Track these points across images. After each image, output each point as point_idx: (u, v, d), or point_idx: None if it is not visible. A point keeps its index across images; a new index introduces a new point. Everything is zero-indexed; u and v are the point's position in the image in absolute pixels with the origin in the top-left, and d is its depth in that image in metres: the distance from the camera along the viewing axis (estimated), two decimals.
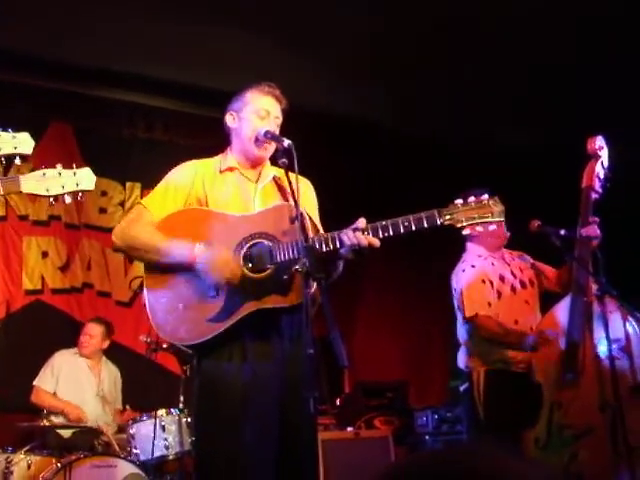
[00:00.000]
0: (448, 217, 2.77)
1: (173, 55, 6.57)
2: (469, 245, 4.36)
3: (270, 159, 3.19)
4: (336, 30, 6.26)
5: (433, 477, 1.05)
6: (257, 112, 3.11)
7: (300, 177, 3.05)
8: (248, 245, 2.91)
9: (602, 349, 3.84)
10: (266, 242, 2.91)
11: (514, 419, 3.98)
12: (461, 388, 4.43)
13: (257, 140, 3.08)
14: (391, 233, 2.79)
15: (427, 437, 6.47)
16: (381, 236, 2.80)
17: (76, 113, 6.97)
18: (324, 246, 2.83)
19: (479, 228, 2.81)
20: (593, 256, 4.00)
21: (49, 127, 6.80)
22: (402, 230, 2.77)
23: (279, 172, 3.12)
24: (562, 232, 4.05)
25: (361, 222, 2.83)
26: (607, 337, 3.72)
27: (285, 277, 2.83)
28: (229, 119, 3.19)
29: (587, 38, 6.30)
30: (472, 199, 2.80)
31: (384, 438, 5.78)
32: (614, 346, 3.76)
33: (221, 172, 3.12)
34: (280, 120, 3.17)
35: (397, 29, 6.29)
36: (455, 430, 6.49)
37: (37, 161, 3.17)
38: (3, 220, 6.55)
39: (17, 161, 2.97)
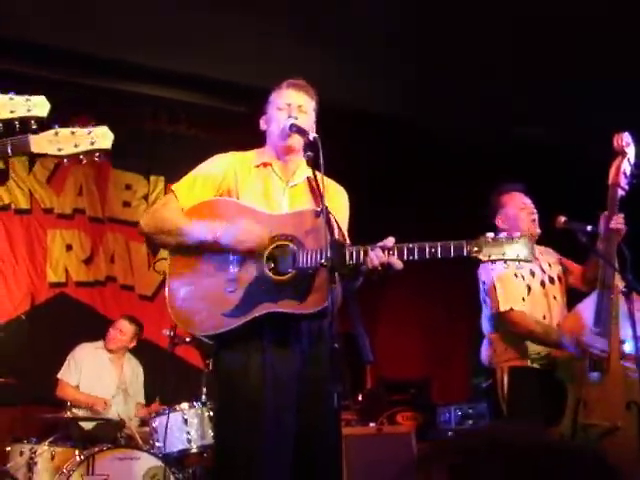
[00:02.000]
0: (476, 249, 2.79)
1: (197, 49, 6.57)
2: None
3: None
4: (354, 24, 6.22)
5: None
6: (278, 107, 3.14)
7: (335, 184, 3.19)
8: (273, 246, 2.92)
9: (628, 347, 3.80)
10: (291, 245, 2.91)
11: (538, 417, 3.93)
12: (484, 385, 4.38)
13: (282, 133, 3.09)
14: (416, 257, 2.79)
15: (450, 433, 6.45)
16: (405, 258, 2.79)
17: (100, 107, 6.98)
18: (356, 257, 2.81)
19: (504, 265, 2.87)
20: (620, 252, 3.95)
21: (73, 120, 6.80)
22: (427, 256, 2.79)
23: (320, 177, 3.04)
24: (588, 228, 3.99)
25: (389, 241, 2.82)
26: (634, 335, 3.67)
27: (305, 281, 2.84)
28: (261, 124, 3.25)
29: (607, 34, 6.23)
30: (503, 235, 2.83)
31: (407, 434, 5.74)
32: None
33: (256, 167, 3.15)
34: (306, 107, 3.15)
35: (417, 24, 6.26)
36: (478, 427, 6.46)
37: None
38: (28, 213, 6.59)
39: (33, 125, 2.78)
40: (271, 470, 2.80)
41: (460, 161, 7.87)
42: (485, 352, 4.28)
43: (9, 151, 2.78)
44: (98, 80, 6.88)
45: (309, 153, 2.89)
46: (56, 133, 2.84)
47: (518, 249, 2.79)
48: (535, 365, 4.07)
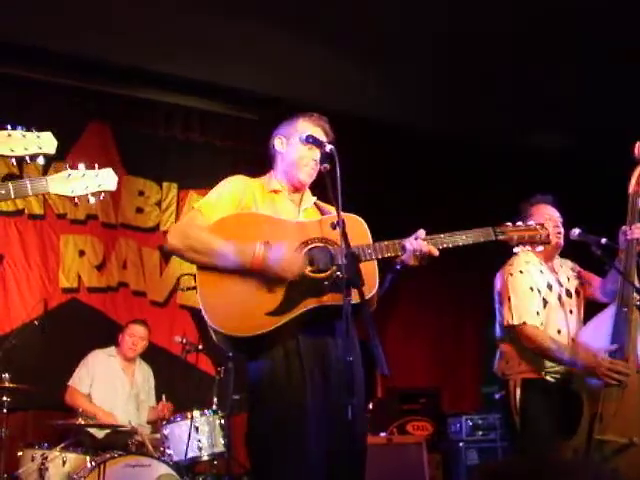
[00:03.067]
0: (502, 235, 3.15)
1: (211, 56, 6.59)
2: (520, 251, 4.24)
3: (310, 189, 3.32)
4: (372, 31, 6.24)
5: None
6: (306, 142, 3.20)
7: (350, 215, 3.15)
8: (308, 248, 2.99)
9: None
10: (325, 245, 3.00)
11: (551, 430, 3.91)
12: (497, 396, 4.34)
13: (303, 169, 3.20)
14: (450, 245, 3.06)
15: (460, 444, 6.43)
16: (440, 247, 3.05)
17: (114, 113, 7.02)
18: (386, 253, 3.00)
19: (528, 247, 3.23)
20: (638, 264, 3.92)
21: (87, 127, 6.86)
22: (460, 243, 3.07)
23: (320, 202, 3.32)
24: (603, 241, 3.97)
25: (421, 232, 3.05)
26: None
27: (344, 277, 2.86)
28: (277, 143, 3.30)
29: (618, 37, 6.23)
30: (520, 223, 3.20)
31: (417, 444, 5.74)
32: None
33: (268, 192, 3.22)
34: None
35: (433, 30, 6.26)
36: (489, 438, 6.45)
37: (75, 160, 3.21)
38: (41, 219, 6.61)
39: (40, 161, 3.05)
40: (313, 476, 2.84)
41: (478, 170, 7.87)
42: (498, 363, 4.25)
43: (29, 192, 3.05)
44: (112, 87, 6.92)
45: (325, 165, 2.93)
46: (68, 175, 3.12)
47: (538, 232, 3.21)
48: (549, 378, 4.02)
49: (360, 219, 3.15)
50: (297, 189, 3.28)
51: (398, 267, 3.12)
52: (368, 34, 6.28)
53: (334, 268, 2.93)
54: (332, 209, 3.22)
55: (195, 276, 3.04)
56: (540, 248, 3.30)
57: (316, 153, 3.20)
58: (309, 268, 2.96)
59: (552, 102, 7.16)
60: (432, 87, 7.13)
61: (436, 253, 3.02)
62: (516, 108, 7.28)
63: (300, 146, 3.21)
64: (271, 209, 3.15)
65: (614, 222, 4.08)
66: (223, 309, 2.92)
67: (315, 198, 3.33)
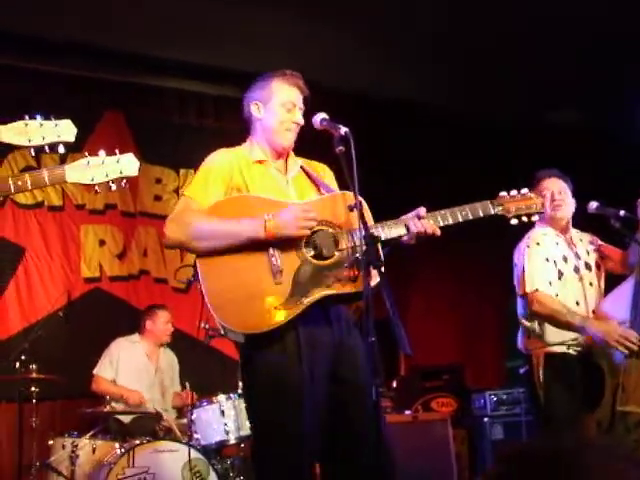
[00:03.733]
0: (500, 208, 3.08)
1: (224, 41, 6.58)
2: (536, 224, 4.25)
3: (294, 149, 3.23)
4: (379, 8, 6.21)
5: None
6: (284, 105, 3.12)
7: (319, 163, 3.24)
8: (311, 231, 2.92)
9: None
10: (328, 229, 2.93)
11: (575, 403, 3.92)
12: (521, 371, 4.36)
13: (284, 133, 3.11)
14: (450, 222, 2.98)
15: (485, 419, 6.45)
16: (441, 224, 2.97)
17: (129, 102, 7.05)
18: (389, 232, 2.93)
19: (524, 219, 3.13)
20: None
21: (102, 117, 6.88)
22: (460, 219, 2.99)
23: (304, 161, 3.23)
24: (621, 213, 3.96)
25: (422, 210, 2.96)
26: None
27: (349, 264, 2.85)
28: (254, 109, 3.17)
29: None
30: (514, 192, 3.13)
31: (442, 421, 5.76)
32: None
33: (253, 163, 3.12)
34: (303, 109, 3.18)
35: (448, 8, 6.22)
36: (513, 412, 6.46)
37: (92, 150, 3.13)
38: (60, 210, 6.66)
39: (60, 149, 2.96)
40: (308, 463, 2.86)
41: (492, 146, 7.84)
42: (521, 338, 4.26)
43: (47, 181, 2.96)
44: (125, 75, 6.93)
45: (341, 147, 2.87)
46: (88, 162, 3.01)
47: (533, 201, 3.15)
48: (571, 351, 4.05)
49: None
50: (280, 155, 3.18)
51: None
52: (370, 13, 6.24)
53: (338, 255, 2.89)
54: (319, 170, 3.24)
55: (194, 267, 2.93)
56: (536, 217, 3.21)
57: (296, 115, 3.12)
58: (312, 253, 2.89)
59: (558, 77, 7.10)
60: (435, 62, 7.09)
61: (438, 233, 2.95)
62: (522, 83, 7.22)
63: (279, 110, 3.10)
64: (261, 185, 3.04)
65: (633, 195, 4.06)
66: (232, 307, 2.82)
67: (300, 161, 3.23)
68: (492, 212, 3.06)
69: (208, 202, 2.96)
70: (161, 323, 5.94)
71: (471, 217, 3.01)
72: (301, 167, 3.21)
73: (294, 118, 3.12)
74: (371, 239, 2.70)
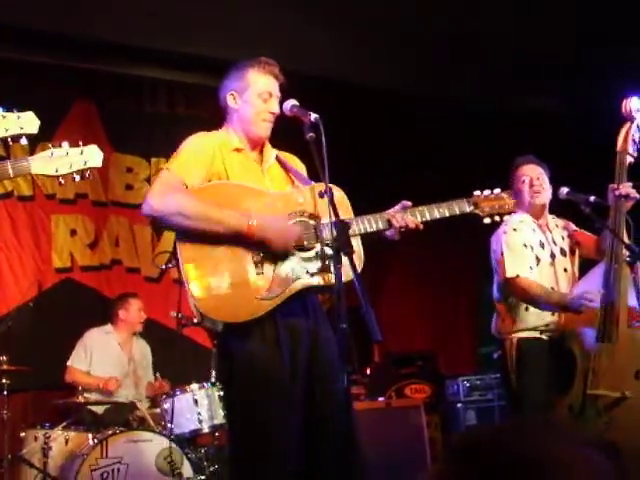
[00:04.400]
0: (474, 207, 3.16)
1: (194, 29, 6.53)
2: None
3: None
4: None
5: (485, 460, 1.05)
6: (260, 95, 3.11)
7: (291, 155, 3.26)
8: (292, 222, 2.95)
9: (636, 315, 3.81)
10: (309, 220, 2.95)
11: (547, 387, 3.96)
12: (494, 356, 4.40)
13: (260, 124, 3.11)
14: (427, 218, 3.05)
15: (458, 405, 6.50)
16: (418, 220, 3.04)
17: (99, 91, 6.98)
18: (370, 225, 2.98)
19: (497, 218, 3.23)
20: (625, 221, 3.94)
21: (73, 107, 6.82)
22: (437, 215, 3.07)
23: (279, 152, 3.25)
24: (592, 199, 3.98)
25: (407, 204, 3.05)
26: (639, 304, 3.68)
27: (329, 255, 2.86)
28: (230, 99, 3.16)
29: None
30: (488, 192, 3.21)
31: (416, 407, 5.78)
32: None
33: (231, 151, 3.12)
34: (279, 97, 3.17)
35: None
36: (486, 398, 6.51)
37: (63, 139, 3.15)
38: (31, 200, 6.59)
39: (23, 141, 2.97)
40: (287, 451, 2.84)
41: (474, 133, 7.85)
42: (494, 323, 4.29)
43: (11, 174, 2.97)
44: (96, 63, 6.86)
45: (311, 134, 2.86)
46: (51, 154, 3.02)
47: (505, 202, 3.23)
48: (544, 336, 4.08)
49: (341, 192, 3.09)
50: (256, 146, 3.18)
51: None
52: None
53: (319, 245, 2.91)
54: (293, 162, 3.26)
55: (174, 253, 2.92)
56: (507, 217, 3.34)
57: (272, 105, 3.11)
58: (293, 244, 2.90)
59: (533, 65, 7.13)
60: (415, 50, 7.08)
61: (421, 227, 3.04)
62: (504, 69, 7.24)
63: (256, 101, 3.10)
64: (239, 173, 3.04)
65: (604, 180, 4.08)
66: (214, 295, 2.82)
67: (276, 151, 3.24)
68: (467, 210, 3.14)
69: (190, 182, 2.93)
70: (134, 311, 5.91)
71: (447, 214, 3.09)
72: (276, 157, 3.22)
73: (271, 108, 3.11)
74: (341, 225, 2.70)
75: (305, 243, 2.92)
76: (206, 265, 2.86)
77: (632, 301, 3.76)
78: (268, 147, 3.22)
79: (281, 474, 2.82)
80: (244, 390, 2.91)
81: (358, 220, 2.96)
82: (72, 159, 3.05)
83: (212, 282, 2.84)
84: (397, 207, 3.05)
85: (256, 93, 3.11)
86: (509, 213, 3.30)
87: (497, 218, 3.23)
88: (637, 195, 3.95)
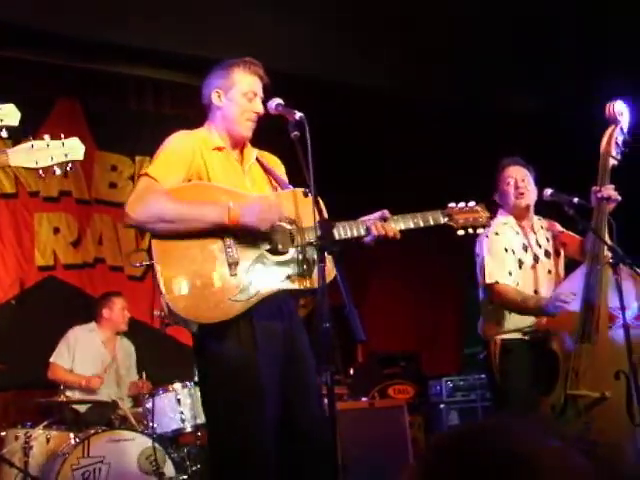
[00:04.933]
0: (448, 218, 3.16)
1: (180, 27, 6.52)
2: (499, 212, 4.31)
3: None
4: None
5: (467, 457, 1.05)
6: (245, 94, 3.12)
7: (271, 155, 3.27)
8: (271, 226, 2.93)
9: (615, 316, 3.83)
10: (286, 225, 2.95)
11: (530, 388, 3.98)
12: (480, 357, 4.43)
13: (244, 123, 3.12)
14: (402, 227, 3.05)
15: (441, 406, 6.51)
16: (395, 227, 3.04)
17: (83, 89, 6.94)
18: (348, 232, 2.97)
19: (470, 231, 3.20)
20: (608, 223, 3.96)
21: (57, 103, 6.78)
22: (412, 225, 3.08)
23: (259, 153, 3.24)
24: (575, 200, 4.00)
25: (385, 213, 3.05)
26: (621, 305, 3.69)
27: (305, 260, 2.89)
28: (214, 97, 3.15)
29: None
30: (462, 204, 3.20)
31: (399, 407, 5.79)
32: (628, 314, 3.71)
33: (213, 149, 3.11)
34: (262, 97, 3.18)
35: None
36: (469, 398, 6.52)
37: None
38: (14, 197, 6.55)
39: (4, 134, 2.90)
40: (268, 452, 2.83)
41: (456, 133, 7.86)
42: (481, 324, 4.33)
43: None
44: (81, 62, 6.82)
45: (296, 132, 2.86)
46: (32, 146, 2.96)
47: (479, 215, 3.22)
48: (527, 337, 4.12)
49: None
50: (237, 145, 3.18)
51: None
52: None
53: (294, 251, 2.92)
54: (273, 162, 3.28)
55: (149, 252, 2.89)
56: (480, 230, 3.29)
57: (256, 105, 3.12)
58: (268, 247, 2.90)
59: (518, 62, 7.16)
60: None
61: (399, 237, 3.04)
62: (481, 68, 7.26)
63: (240, 100, 3.11)
64: (220, 173, 3.03)
65: (588, 182, 4.11)
66: (185, 295, 2.80)
67: (256, 151, 3.24)
68: (441, 222, 3.14)
69: (169, 184, 2.92)
70: (118, 310, 5.88)
71: (422, 225, 3.10)
72: (257, 158, 3.22)
73: (255, 108, 3.12)
74: (325, 224, 2.70)
75: (279, 247, 2.91)
76: (179, 264, 2.84)
77: (615, 302, 3.77)
78: (249, 147, 3.23)
79: (261, 476, 2.81)
80: (220, 390, 2.90)
81: (339, 226, 2.96)
82: (53, 151, 2.99)
83: (184, 281, 2.82)
84: (376, 215, 3.05)
85: (241, 92, 3.12)
86: (483, 227, 3.27)
87: (471, 231, 3.21)
88: (618, 197, 3.98)
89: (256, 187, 3.11)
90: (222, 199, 2.90)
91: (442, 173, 7.30)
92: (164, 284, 2.81)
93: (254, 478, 2.82)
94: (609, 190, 3.97)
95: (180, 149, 3.03)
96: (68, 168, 3.07)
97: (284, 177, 3.24)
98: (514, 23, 6.58)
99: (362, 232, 3.00)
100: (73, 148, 3.04)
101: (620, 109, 4.11)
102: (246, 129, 3.14)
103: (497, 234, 4.18)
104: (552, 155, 7.15)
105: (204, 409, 3.09)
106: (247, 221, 2.83)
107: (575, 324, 3.86)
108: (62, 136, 3.05)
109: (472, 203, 3.22)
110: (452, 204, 3.19)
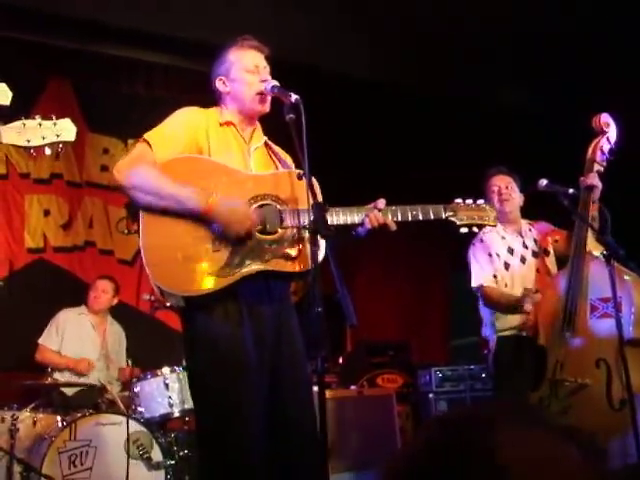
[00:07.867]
0: (451, 213, 3.06)
1: (173, 9, 6.47)
2: None
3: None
4: None
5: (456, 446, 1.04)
6: (246, 69, 3.11)
7: (279, 148, 3.23)
8: (257, 205, 2.91)
9: (596, 307, 3.92)
10: (276, 205, 2.92)
11: (523, 382, 4.06)
12: (486, 352, 4.58)
13: (262, 94, 3.08)
14: (399, 218, 2.99)
15: (430, 395, 6.51)
16: (390, 218, 2.98)
17: (76, 70, 6.88)
18: (343, 218, 2.94)
19: (475, 229, 3.12)
20: (601, 214, 4.02)
21: (48, 85, 6.73)
22: (410, 218, 3.00)
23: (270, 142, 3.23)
24: (570, 191, 4.07)
25: (381, 202, 2.98)
26: (614, 299, 3.70)
27: (292, 241, 2.87)
28: (220, 85, 3.16)
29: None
30: (470, 201, 3.12)
31: (387, 396, 5.80)
32: (607, 304, 3.84)
33: (221, 125, 3.11)
34: (268, 68, 3.16)
35: None
36: (458, 389, 6.53)
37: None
38: (4, 178, 6.51)
39: None
40: (252, 428, 2.80)
41: (445, 126, 7.85)
42: (482, 327, 4.55)
43: None
44: (73, 43, 6.76)
45: (291, 115, 2.83)
46: (23, 125, 2.97)
47: (486, 213, 3.12)
48: (522, 334, 4.28)
49: (314, 180, 3.06)
50: (252, 121, 3.17)
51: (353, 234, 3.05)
52: None
53: (282, 232, 2.89)
54: (283, 155, 3.24)
55: (137, 220, 2.87)
56: (488, 228, 3.37)
57: (262, 74, 3.10)
58: (243, 233, 2.85)
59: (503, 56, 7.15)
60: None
61: (394, 228, 2.97)
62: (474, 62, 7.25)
63: (243, 76, 3.10)
64: (223, 148, 3.02)
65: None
66: (166, 266, 2.79)
67: (266, 138, 3.22)
68: (443, 216, 3.05)
69: (163, 153, 2.91)
70: (98, 292, 5.88)
71: (421, 218, 3.01)
72: (266, 143, 3.21)
73: (261, 77, 3.09)
74: (318, 207, 2.68)
75: (267, 227, 2.89)
76: (164, 236, 2.83)
77: (597, 293, 3.90)
78: (259, 130, 3.21)
79: (247, 456, 2.78)
80: (205, 366, 2.86)
81: (332, 211, 2.92)
82: (45, 131, 2.99)
83: (166, 252, 2.81)
84: (371, 205, 2.99)
85: (242, 69, 3.11)
86: (490, 226, 3.20)
87: (475, 229, 3.13)
88: (599, 184, 4.12)
89: (259, 168, 3.09)
90: (209, 175, 2.89)
91: (443, 169, 7.30)
92: (146, 254, 2.81)
93: (242, 462, 2.79)
94: (592, 178, 4.13)
95: (183, 121, 3.04)
96: (59, 149, 3.06)
97: (291, 165, 3.21)
98: (514, 24, 6.57)
99: (356, 220, 2.96)
100: (65, 129, 3.04)
101: (607, 121, 4.29)
102: (257, 103, 3.10)
103: (482, 241, 4.47)
104: (552, 155, 7.15)
105: (190, 384, 3.06)
106: (221, 218, 2.81)
107: (559, 315, 3.98)
108: (54, 117, 3.04)
109: (480, 201, 3.15)
110: (459, 200, 3.11)
